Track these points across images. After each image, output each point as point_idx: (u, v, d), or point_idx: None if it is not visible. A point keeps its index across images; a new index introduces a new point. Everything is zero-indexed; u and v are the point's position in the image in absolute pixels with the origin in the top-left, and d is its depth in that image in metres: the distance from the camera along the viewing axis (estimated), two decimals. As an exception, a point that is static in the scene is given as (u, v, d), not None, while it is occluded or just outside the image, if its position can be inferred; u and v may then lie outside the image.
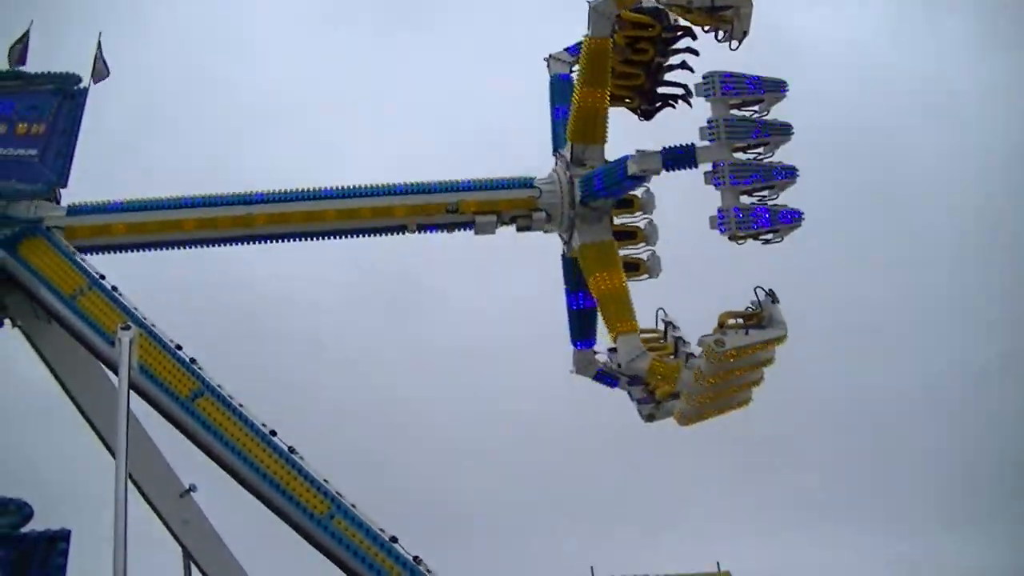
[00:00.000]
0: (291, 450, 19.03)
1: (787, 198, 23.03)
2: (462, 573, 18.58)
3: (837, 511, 49.62)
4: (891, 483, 50.25)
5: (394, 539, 18.17)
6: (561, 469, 48.99)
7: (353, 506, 18.49)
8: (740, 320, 21.62)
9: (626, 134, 25.08)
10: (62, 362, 22.25)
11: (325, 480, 18.73)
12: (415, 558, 18.02)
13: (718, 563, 27.16)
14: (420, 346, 52.10)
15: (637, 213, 25.19)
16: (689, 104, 24.94)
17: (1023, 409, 48.64)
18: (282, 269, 50.70)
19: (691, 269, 28.95)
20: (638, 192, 24.97)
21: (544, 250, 26.71)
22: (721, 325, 21.60)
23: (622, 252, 25.05)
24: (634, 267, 25.10)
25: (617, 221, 25.20)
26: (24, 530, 15.68)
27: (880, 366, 52.47)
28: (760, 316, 21.52)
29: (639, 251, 25.26)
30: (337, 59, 56.42)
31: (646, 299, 24.59)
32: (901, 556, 46.69)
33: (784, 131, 23.05)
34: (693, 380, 21.81)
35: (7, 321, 22.53)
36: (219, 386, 19.71)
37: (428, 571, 17.94)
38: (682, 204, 25.47)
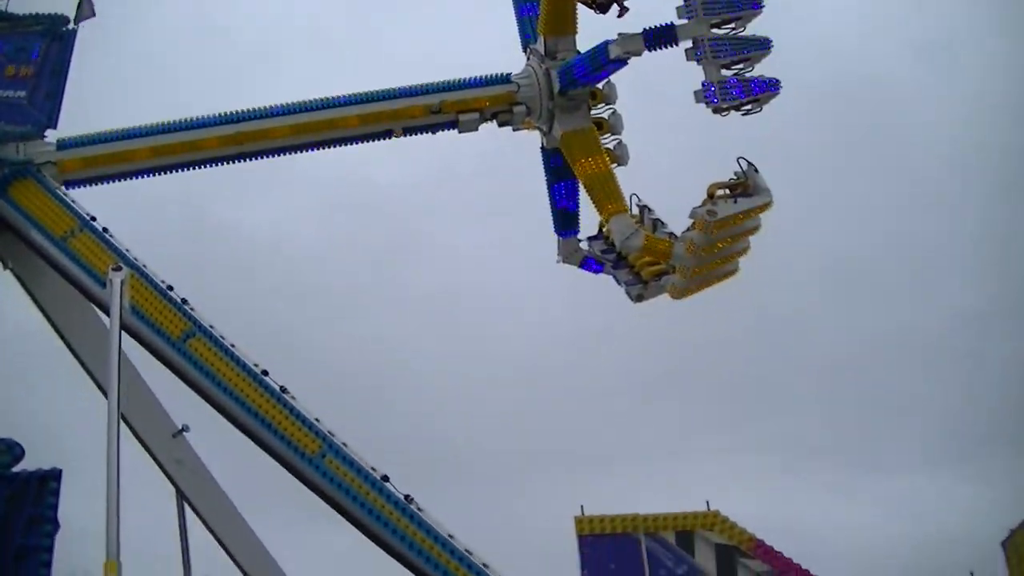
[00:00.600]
0: (283, 390, 19.05)
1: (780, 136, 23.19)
2: (453, 512, 18.70)
3: (826, 453, 50.10)
4: (880, 425, 50.70)
5: (385, 478, 18.27)
6: (554, 410, 49.40)
7: (344, 445, 18.54)
8: (727, 191, 21.93)
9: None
10: (54, 303, 22.12)
11: (317, 419, 18.76)
12: (406, 496, 18.12)
13: (707, 502, 27.63)
14: (409, 288, 52.32)
15: (600, 105, 25.47)
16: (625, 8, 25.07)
17: (1012, 353, 48.98)
18: (268, 213, 50.82)
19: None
20: (600, 84, 25.26)
21: (530, 192, 26.91)
22: (710, 196, 21.86)
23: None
24: None
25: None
26: (15, 469, 15.80)
27: (871, 310, 52.80)
28: (745, 185, 21.79)
29: (606, 141, 25.47)
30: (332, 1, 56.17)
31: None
32: (894, 497, 47.24)
33: (755, 5, 23.22)
34: (686, 252, 22.15)
35: (-1, 263, 22.47)
36: (211, 326, 19.67)
37: (419, 509, 18.04)
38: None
